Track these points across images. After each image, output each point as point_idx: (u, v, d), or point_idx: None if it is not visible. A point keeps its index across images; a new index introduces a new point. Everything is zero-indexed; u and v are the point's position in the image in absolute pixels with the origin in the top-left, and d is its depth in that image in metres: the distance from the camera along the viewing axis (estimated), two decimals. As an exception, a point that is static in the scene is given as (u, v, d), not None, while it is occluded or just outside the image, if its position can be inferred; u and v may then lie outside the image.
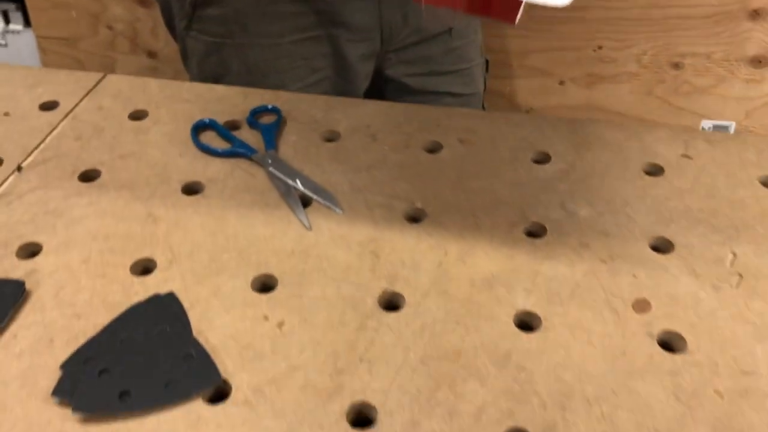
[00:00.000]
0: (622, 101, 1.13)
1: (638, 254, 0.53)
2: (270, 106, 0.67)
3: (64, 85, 0.71)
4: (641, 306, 0.49)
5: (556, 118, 0.67)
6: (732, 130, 1.10)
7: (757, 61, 1.05)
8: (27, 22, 1.36)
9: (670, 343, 0.47)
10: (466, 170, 0.61)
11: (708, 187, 0.58)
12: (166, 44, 1.21)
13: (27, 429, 0.42)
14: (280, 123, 0.65)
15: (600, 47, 1.09)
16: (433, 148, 0.63)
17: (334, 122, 0.66)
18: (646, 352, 0.46)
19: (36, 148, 0.63)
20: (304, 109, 0.67)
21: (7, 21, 1.43)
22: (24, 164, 0.61)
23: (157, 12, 1.20)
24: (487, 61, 0.94)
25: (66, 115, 0.67)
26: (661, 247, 0.54)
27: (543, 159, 0.62)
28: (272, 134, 0.64)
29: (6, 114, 0.67)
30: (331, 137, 0.65)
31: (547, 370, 0.45)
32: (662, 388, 0.44)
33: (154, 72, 1.23)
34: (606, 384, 0.44)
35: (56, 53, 1.27)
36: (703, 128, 1.12)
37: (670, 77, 1.09)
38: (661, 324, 0.48)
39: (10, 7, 1.40)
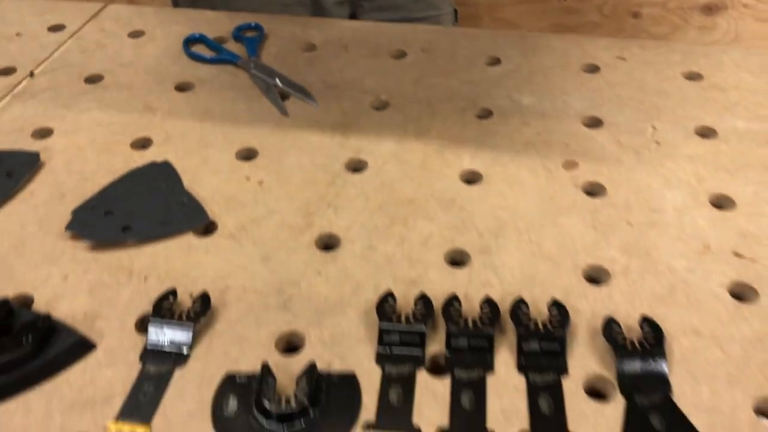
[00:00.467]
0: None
1: (571, 130, 0.61)
2: (253, 24, 0.75)
3: (70, 12, 0.79)
4: (570, 165, 0.57)
5: (510, 31, 0.75)
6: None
7: (708, 9, 1.13)
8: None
9: (592, 191, 0.55)
10: (427, 72, 0.69)
11: (638, 81, 0.66)
12: None
13: (46, 257, 0.50)
14: (262, 37, 0.73)
15: (565, -1, 1.18)
16: (399, 56, 0.71)
17: (311, 37, 0.74)
18: (571, 198, 0.54)
19: (46, 59, 0.71)
20: (285, 27, 0.75)
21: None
22: (36, 71, 0.69)
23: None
24: (455, 11, 1.01)
25: (72, 35, 0.75)
26: (592, 124, 0.62)
27: (494, 62, 0.70)
28: (255, 45, 0.72)
29: (18, 34, 0.75)
30: (308, 48, 0.73)
31: (485, 211, 0.53)
32: (582, 221, 0.52)
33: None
34: (535, 220, 0.52)
35: None
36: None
37: (630, 26, 1.17)
38: (586, 177, 0.56)
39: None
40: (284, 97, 0.66)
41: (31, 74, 0.69)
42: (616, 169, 0.57)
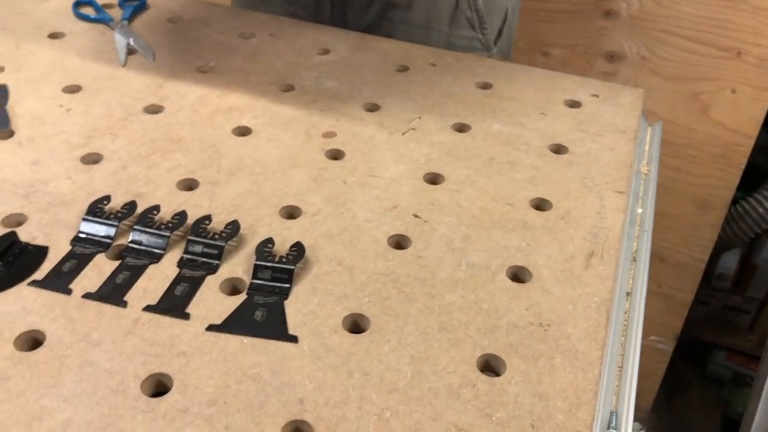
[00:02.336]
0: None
1: (350, 111, 0.70)
2: (138, -6, 0.87)
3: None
4: (329, 135, 0.67)
5: (352, 32, 0.85)
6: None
7: (610, 57, 1.21)
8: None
9: (334, 156, 0.64)
10: (262, 51, 0.79)
11: (435, 83, 0.75)
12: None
13: None
14: (142, 7, 0.85)
15: (484, 31, 1.27)
16: (247, 36, 0.82)
17: (183, 13, 0.86)
18: (312, 158, 0.64)
19: (-42, 0, 0.85)
20: (164, 3, 0.87)
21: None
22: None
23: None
24: None
25: (-10, -14, 0.89)
26: (371, 109, 0.71)
27: (324, 53, 0.80)
28: (131, 13, 0.84)
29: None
30: (174, 21, 0.84)
31: (234, 156, 0.63)
32: (308, 175, 0.61)
33: None
34: (270, 168, 0.62)
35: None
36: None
37: (540, 64, 1.26)
38: (336, 145, 0.65)
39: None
40: (131, 53, 0.77)
41: (-61, 9, 0.82)
42: (365, 142, 0.66)
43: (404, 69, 0.78)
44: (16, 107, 0.67)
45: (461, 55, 0.81)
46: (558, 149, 0.67)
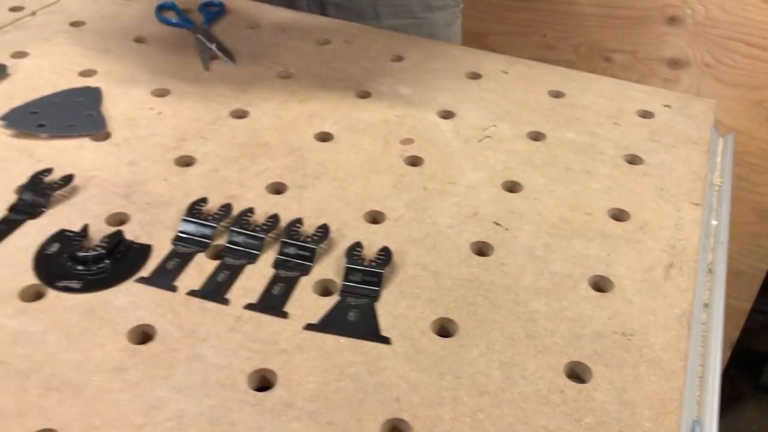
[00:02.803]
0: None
1: (425, 117, 0.72)
2: (217, 2, 0.90)
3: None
4: (407, 141, 0.69)
5: (421, 38, 0.87)
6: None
7: (673, 63, 1.21)
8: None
9: (412, 163, 0.66)
10: (337, 58, 0.82)
11: (506, 91, 0.77)
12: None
13: (-22, 135, 0.66)
14: (220, 13, 0.89)
15: (545, 35, 1.28)
16: (323, 43, 0.85)
17: (259, 20, 0.89)
18: (391, 164, 0.66)
19: (50, 5, 0.89)
20: (242, 8, 0.90)
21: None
22: (37, 12, 0.87)
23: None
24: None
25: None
26: (445, 116, 0.73)
27: (397, 59, 0.82)
28: (211, 18, 0.87)
29: None
30: (252, 27, 0.87)
31: (318, 161, 0.65)
32: (387, 181, 0.64)
33: None
34: (352, 173, 0.64)
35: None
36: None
37: (601, 69, 1.26)
38: (414, 152, 0.67)
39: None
40: (213, 58, 0.80)
41: (33, 13, 0.86)
42: (442, 149, 0.68)
43: (476, 76, 0.80)
44: (110, 109, 0.70)
45: (533, 63, 0.82)
46: (632, 159, 0.68)
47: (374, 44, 0.85)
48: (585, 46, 1.26)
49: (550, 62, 1.31)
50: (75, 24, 0.85)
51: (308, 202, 0.61)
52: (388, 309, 0.51)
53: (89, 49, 0.80)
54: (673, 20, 1.18)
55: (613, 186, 0.64)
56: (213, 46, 0.81)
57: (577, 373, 0.48)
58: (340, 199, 0.61)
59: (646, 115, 0.75)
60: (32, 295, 0.51)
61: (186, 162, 0.65)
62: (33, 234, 0.56)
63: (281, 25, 0.88)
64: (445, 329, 0.51)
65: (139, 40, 0.83)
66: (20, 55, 0.78)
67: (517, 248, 0.57)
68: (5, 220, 0.57)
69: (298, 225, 0.57)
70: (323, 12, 0.97)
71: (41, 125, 0.67)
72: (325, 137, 0.69)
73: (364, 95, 0.76)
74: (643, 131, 0.72)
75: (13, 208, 0.58)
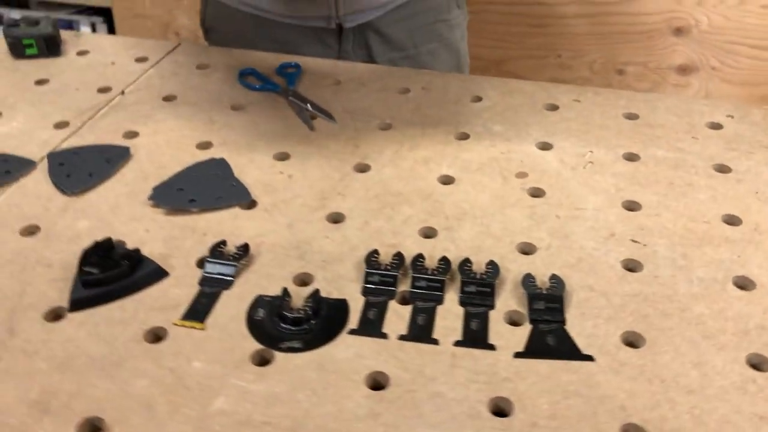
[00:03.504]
0: (579, 101, 1.40)
1: (528, 151, 0.80)
2: (293, 63, 0.96)
3: (152, 48, 1.01)
4: (521, 175, 0.76)
5: (492, 78, 0.95)
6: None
7: (682, 70, 1.32)
8: (111, 32, 1.69)
9: (534, 194, 0.73)
10: (423, 104, 0.88)
11: (586, 118, 0.85)
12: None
13: (134, 218, 0.70)
14: (299, 73, 0.94)
15: (560, 56, 1.38)
16: (403, 92, 0.91)
17: (337, 75, 0.95)
18: (518, 197, 0.73)
19: (134, 82, 0.93)
20: (318, 67, 0.96)
21: (93, 31, 1.77)
22: (126, 90, 0.91)
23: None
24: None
25: (153, 65, 0.97)
26: (544, 147, 0.80)
27: (477, 100, 0.89)
28: (293, 79, 0.92)
29: (112, 63, 0.97)
30: (334, 83, 0.93)
31: (452, 203, 0.72)
32: (522, 213, 0.70)
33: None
34: (487, 211, 0.71)
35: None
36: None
37: (616, 82, 1.36)
38: (531, 184, 0.74)
39: (98, 20, 1.74)
40: (312, 117, 0.86)
41: (122, 92, 0.90)
42: (555, 179, 0.75)
43: (554, 108, 0.87)
44: (244, 178, 0.75)
45: (600, 90, 0.91)
46: (721, 168, 0.76)
47: (450, 88, 0.92)
48: (598, 62, 1.35)
49: (567, 80, 1.41)
50: (167, 98, 0.89)
51: (461, 242, 0.67)
52: (577, 330, 0.58)
53: (194, 121, 0.85)
54: (679, 31, 1.29)
55: (716, 195, 0.72)
56: (308, 106, 0.87)
57: (757, 364, 0.56)
58: (488, 235, 0.68)
59: (714, 126, 0.83)
60: (262, 359, 0.56)
61: (335, 218, 0.70)
62: (234, 303, 0.61)
63: (358, 79, 0.94)
64: (632, 341, 0.58)
65: (235, 107, 0.88)
66: (131, 135, 0.82)
67: (661, 261, 0.65)
68: (202, 294, 0.61)
69: (468, 264, 0.63)
70: (369, 51, 1.04)
71: (192, 200, 0.71)
72: (446, 180, 0.76)
73: (463, 137, 0.82)
74: (719, 142, 0.81)
75: (204, 282, 0.62)
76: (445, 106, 0.88)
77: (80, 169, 0.75)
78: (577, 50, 1.36)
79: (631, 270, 0.64)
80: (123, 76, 0.94)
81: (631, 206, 0.71)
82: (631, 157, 0.78)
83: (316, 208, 0.71)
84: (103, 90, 0.91)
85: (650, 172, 0.76)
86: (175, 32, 1.53)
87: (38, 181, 0.75)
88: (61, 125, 0.84)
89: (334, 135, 0.83)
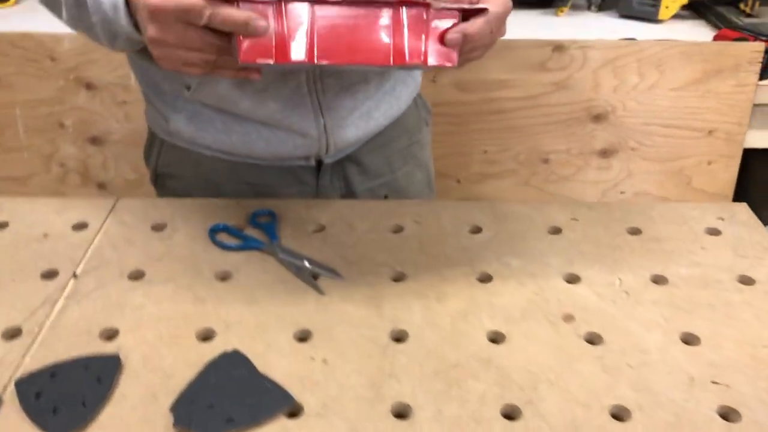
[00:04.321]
0: (506, 192, 1.40)
1: (559, 286, 0.75)
2: (267, 210, 0.85)
3: (85, 209, 0.86)
4: (568, 318, 0.71)
5: (481, 201, 0.90)
6: (593, 206, 1.41)
7: (603, 153, 1.36)
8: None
9: (591, 340, 0.69)
10: (425, 242, 0.82)
11: (593, 239, 0.83)
12: (116, 175, 1.36)
13: (158, 454, 0.56)
14: (276, 222, 0.84)
15: (485, 151, 1.37)
16: (397, 230, 0.84)
17: (317, 217, 0.85)
18: (578, 346, 0.68)
19: (82, 259, 0.78)
20: (292, 210, 0.86)
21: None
22: (77, 272, 0.76)
23: (108, 147, 1.36)
24: None
25: (98, 232, 0.82)
26: (572, 280, 0.77)
27: (476, 230, 0.84)
28: (273, 230, 0.82)
29: (45, 235, 0.81)
30: (318, 228, 0.84)
31: (517, 367, 0.65)
32: (594, 367, 0.65)
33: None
34: (557, 370, 0.65)
35: (6, 192, 1.37)
36: (571, 207, 1.41)
37: (542, 170, 1.38)
38: (583, 327, 0.70)
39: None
40: (315, 276, 0.76)
41: (75, 275, 0.75)
42: (602, 318, 0.71)
43: (557, 230, 0.84)
44: (271, 372, 0.64)
45: (593, 205, 0.89)
46: (744, 280, 0.77)
47: (442, 219, 0.86)
48: (523, 153, 1.37)
49: (494, 174, 1.41)
50: (134, 276, 0.75)
51: (551, 417, 0.60)
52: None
53: (179, 303, 0.72)
54: (597, 117, 1.33)
55: (758, 313, 0.72)
56: (305, 263, 0.77)
57: None
58: (575, 403, 0.62)
59: (714, 232, 0.84)
60: None
61: (401, 411, 0.61)
62: None
63: (343, 220, 0.85)
64: None
65: (221, 276, 0.76)
66: (110, 334, 0.68)
67: (750, 402, 0.62)
68: None
69: (578, 448, 0.57)
70: (347, 182, 0.96)
71: (230, 420, 0.59)
72: (496, 337, 0.69)
73: (486, 277, 0.77)
74: (727, 250, 0.81)
75: None
76: (448, 242, 0.82)
77: (67, 397, 0.60)
78: (502, 144, 1.37)
79: (729, 420, 0.61)
80: (65, 251, 0.79)
81: (689, 339, 0.69)
82: (658, 280, 0.77)
83: (373, 399, 0.62)
84: (49, 275, 0.75)
85: (685, 295, 0.74)
86: (59, 164, 1.35)
87: (10, 423, 0.59)
88: (11, 334, 0.68)
89: (348, 296, 0.73)
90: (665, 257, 0.80)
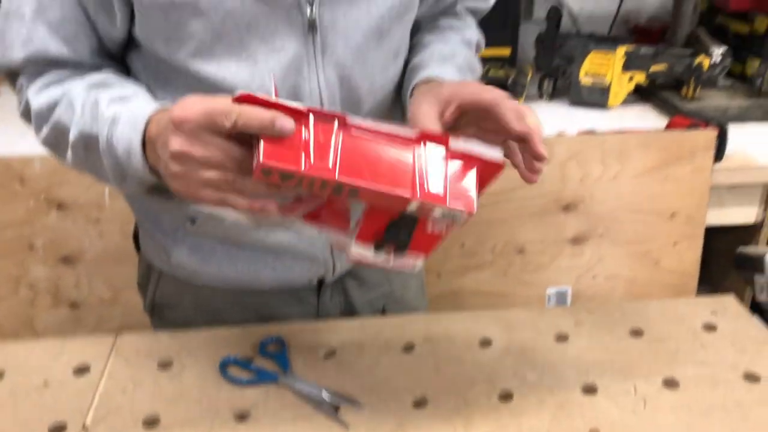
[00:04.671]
0: (485, 283, 1.43)
1: (578, 399, 0.76)
2: (275, 338, 0.84)
3: (83, 349, 0.82)
4: (594, 433, 0.72)
5: (488, 312, 0.91)
6: (569, 293, 1.44)
7: (575, 240, 1.41)
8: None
9: (622, 455, 0.70)
10: (439, 360, 0.82)
11: (599, 345, 0.85)
12: (89, 294, 1.31)
13: None
14: (286, 350, 0.83)
15: (463, 245, 1.40)
16: (408, 347, 0.84)
17: (327, 341, 0.85)
18: (611, 464, 0.68)
19: (90, 409, 0.74)
20: (299, 335, 0.85)
21: None
22: (87, 422, 0.72)
23: (80, 266, 1.32)
24: None
25: (101, 376, 0.79)
26: (589, 390, 0.78)
27: (487, 343, 0.85)
28: (284, 359, 0.81)
29: (45, 384, 0.77)
30: (329, 353, 0.83)
31: (556, 491, 0.65)
32: (629, 484, 0.66)
33: (77, 323, 1.32)
34: (596, 491, 0.65)
35: (-29, 318, 1.31)
36: (548, 294, 1.44)
37: (518, 260, 1.41)
38: (611, 443, 0.71)
39: None
40: (335, 407, 0.75)
41: (85, 427, 0.72)
42: (624, 428, 0.72)
43: (563, 338, 0.86)
44: None
45: (590, 307, 0.91)
46: (751, 377, 0.79)
47: (450, 332, 0.86)
48: (499, 245, 1.40)
49: (472, 267, 1.43)
50: (149, 423, 0.72)
51: None
52: None
53: (202, 451, 0.69)
54: (567, 207, 1.38)
55: (770, 411, 0.75)
56: (323, 394, 0.76)
57: None
58: None
59: (709, 328, 0.87)
60: None
61: None
62: None
63: (352, 341, 0.85)
64: None
65: (239, 416, 0.74)
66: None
67: None
68: None
69: None
70: (347, 298, 0.96)
71: None
72: (527, 460, 0.69)
73: (506, 396, 0.77)
74: (726, 346, 0.84)
75: None
76: (460, 356, 0.82)
77: None
78: (478, 237, 1.40)
79: None
80: (69, 400, 0.75)
81: (713, 445, 0.71)
82: (670, 384, 0.78)
83: None
84: (56, 430, 0.71)
85: (698, 398, 0.76)
86: (29, 286, 1.30)
87: None
88: (27, 504, 0.64)
89: (373, 429, 0.72)
90: (670, 358, 0.82)
